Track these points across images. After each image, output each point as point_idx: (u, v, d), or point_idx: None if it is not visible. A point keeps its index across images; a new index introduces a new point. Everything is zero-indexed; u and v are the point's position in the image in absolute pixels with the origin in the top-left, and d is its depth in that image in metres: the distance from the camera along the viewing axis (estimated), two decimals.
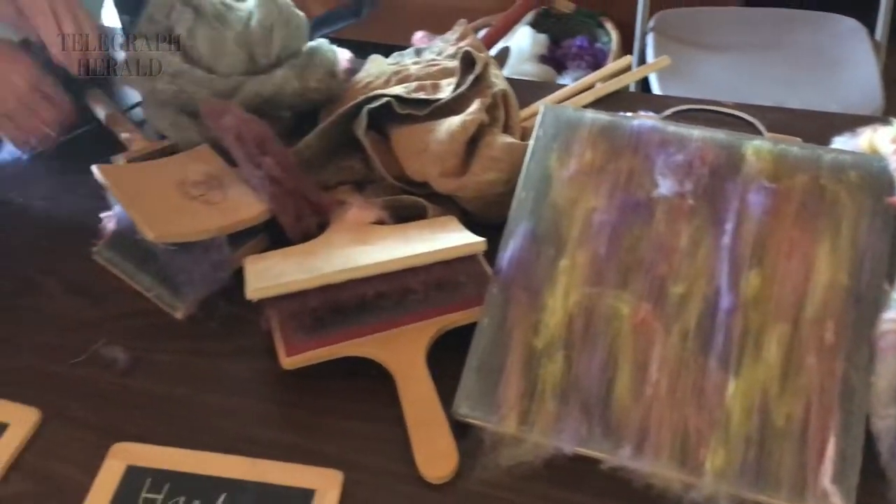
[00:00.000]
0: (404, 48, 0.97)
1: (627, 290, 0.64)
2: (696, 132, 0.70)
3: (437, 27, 1.12)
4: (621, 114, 0.75)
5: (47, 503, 0.61)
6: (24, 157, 0.89)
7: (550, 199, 0.69)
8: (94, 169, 0.76)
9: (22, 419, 0.65)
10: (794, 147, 0.68)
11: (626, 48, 1.90)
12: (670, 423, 0.59)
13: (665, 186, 0.68)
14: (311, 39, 0.91)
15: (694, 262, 0.65)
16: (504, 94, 0.83)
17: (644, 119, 0.73)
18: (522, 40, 1.92)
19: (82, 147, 0.90)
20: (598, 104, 0.94)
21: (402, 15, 2.13)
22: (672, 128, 0.71)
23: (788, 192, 0.66)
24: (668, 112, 0.91)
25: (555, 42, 1.97)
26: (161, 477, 0.61)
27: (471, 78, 0.81)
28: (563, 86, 0.99)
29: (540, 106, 0.76)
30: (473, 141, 0.78)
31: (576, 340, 0.63)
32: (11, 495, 0.61)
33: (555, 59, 1.94)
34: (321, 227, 0.77)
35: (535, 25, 1.99)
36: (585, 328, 0.64)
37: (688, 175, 0.68)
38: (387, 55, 0.97)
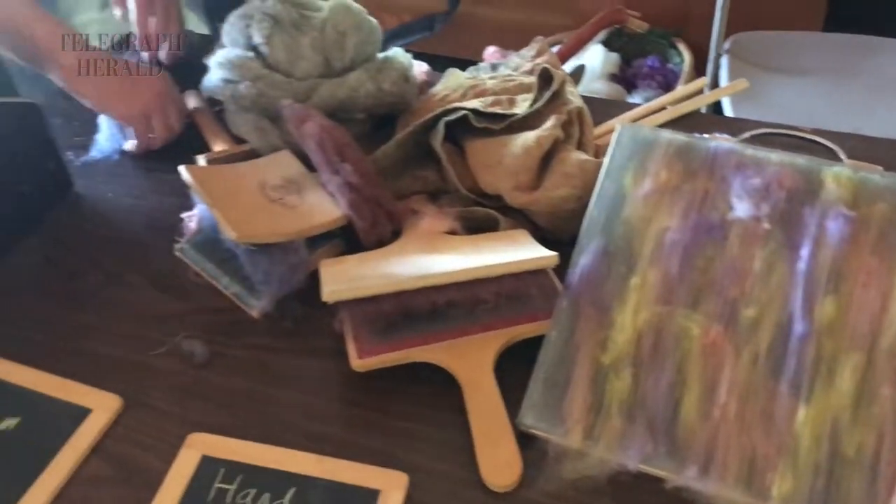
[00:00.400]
0: (474, 62, 0.99)
1: (698, 310, 0.65)
2: (775, 156, 0.70)
3: (508, 43, 1.14)
4: (697, 135, 0.75)
5: (125, 487, 0.63)
6: (115, 155, 0.93)
7: (623, 217, 0.70)
8: (182, 169, 0.79)
9: (104, 405, 0.68)
10: (875, 175, 0.67)
11: (698, 70, 1.89)
12: (738, 446, 0.59)
13: (740, 209, 0.68)
14: (385, 51, 0.93)
15: (767, 286, 0.64)
16: (579, 112, 0.83)
17: (721, 141, 0.73)
18: (594, 58, 1.92)
19: (167, 147, 0.93)
20: (671, 125, 0.94)
21: (472, 30, 2.16)
22: (750, 151, 0.71)
23: (867, 221, 0.65)
24: (745, 136, 0.90)
25: (626, 61, 1.97)
26: (234, 468, 0.63)
27: (548, 94, 0.82)
28: (635, 105, 0.99)
29: (616, 124, 0.76)
30: (547, 157, 0.79)
31: (644, 358, 0.64)
32: (91, 478, 0.64)
33: (625, 78, 1.93)
34: (395, 235, 0.79)
35: (607, 44, 1.99)
36: (654, 347, 0.64)
37: (764, 199, 0.68)
38: (458, 69, 0.98)
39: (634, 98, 1.85)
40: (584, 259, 0.69)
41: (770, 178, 0.68)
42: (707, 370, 0.62)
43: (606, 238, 0.69)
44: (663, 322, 0.65)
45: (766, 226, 0.66)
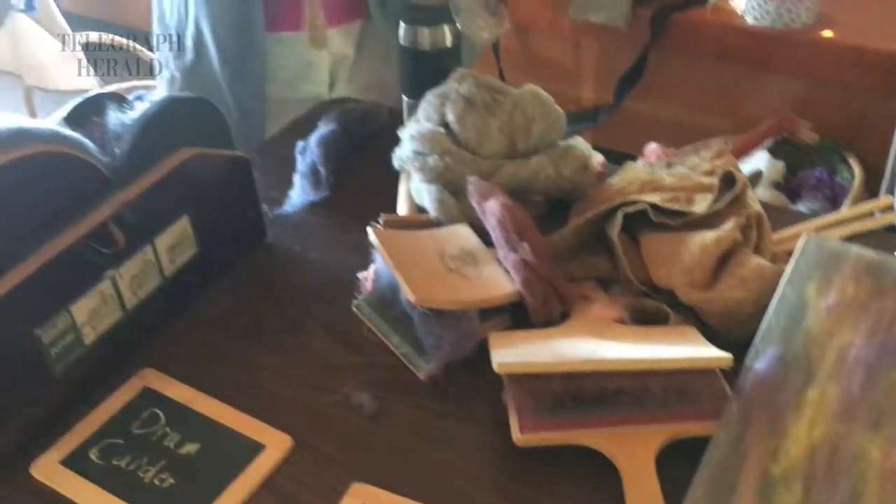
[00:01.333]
0: (633, 156, 1.02)
1: (879, 433, 0.62)
2: None
3: (668, 140, 1.15)
4: (885, 253, 0.74)
5: None
6: (304, 210, 1.00)
7: (804, 327, 0.69)
8: (370, 231, 0.84)
9: (277, 443, 0.72)
10: None
11: (869, 186, 1.84)
12: None
13: None
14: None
15: None
16: (758, 217, 0.84)
17: None
18: (758, 164, 1.90)
19: (351, 207, 1.00)
20: (851, 240, 0.92)
21: (633, 125, 2.18)
22: None
23: None
24: None
25: (791, 171, 1.94)
26: None
27: (729, 196, 0.83)
28: (803, 215, 0.98)
29: (803, 234, 0.76)
30: (724, 258, 0.79)
31: (817, 474, 0.62)
32: None
33: (789, 187, 1.90)
34: (563, 317, 0.81)
35: (773, 151, 1.97)
36: (829, 464, 0.62)
37: None
38: (616, 161, 1.01)
39: (798, 209, 1.81)
40: (759, 364, 0.68)
41: None
42: (885, 495, 0.60)
43: (784, 346, 0.69)
44: (840, 440, 0.63)
45: None
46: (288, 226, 0.98)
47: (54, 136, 0.73)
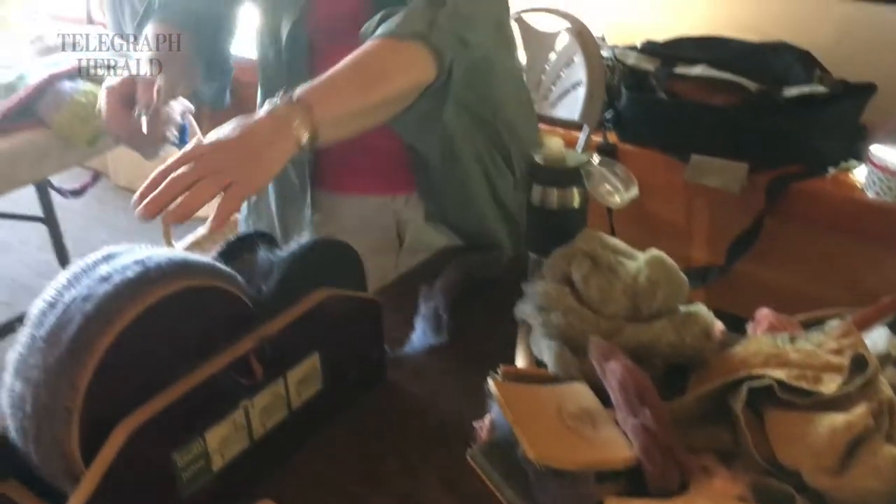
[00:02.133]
0: (742, 319, 1.02)
1: None
2: None
3: (780, 307, 1.14)
4: None
5: None
6: (424, 353, 1.03)
7: None
8: (490, 382, 0.86)
9: None
10: None
11: None
12: None
13: None
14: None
15: None
16: (891, 403, 0.81)
17: None
18: (877, 340, 1.84)
19: (469, 354, 1.02)
20: None
21: (744, 288, 2.15)
22: None
23: None
24: None
25: None
26: None
27: (860, 381, 0.81)
28: None
29: None
30: (854, 443, 0.77)
31: None
32: None
33: None
34: (680, 487, 0.79)
35: (893, 326, 1.90)
36: None
37: None
38: (727, 324, 1.00)
39: None
40: None
41: None
42: None
43: None
44: None
45: None
46: (408, 367, 1.01)
47: (211, 271, 0.79)
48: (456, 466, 0.85)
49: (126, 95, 1.05)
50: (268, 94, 1.03)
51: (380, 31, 0.99)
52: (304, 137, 0.88)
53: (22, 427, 0.70)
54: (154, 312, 0.72)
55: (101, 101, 1.07)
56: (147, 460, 0.72)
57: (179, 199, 0.81)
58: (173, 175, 0.82)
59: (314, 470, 0.87)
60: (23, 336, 0.71)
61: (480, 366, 0.90)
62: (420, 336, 1.05)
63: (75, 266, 0.76)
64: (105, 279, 0.72)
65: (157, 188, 0.82)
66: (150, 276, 0.72)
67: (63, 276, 0.75)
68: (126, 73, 1.08)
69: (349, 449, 0.90)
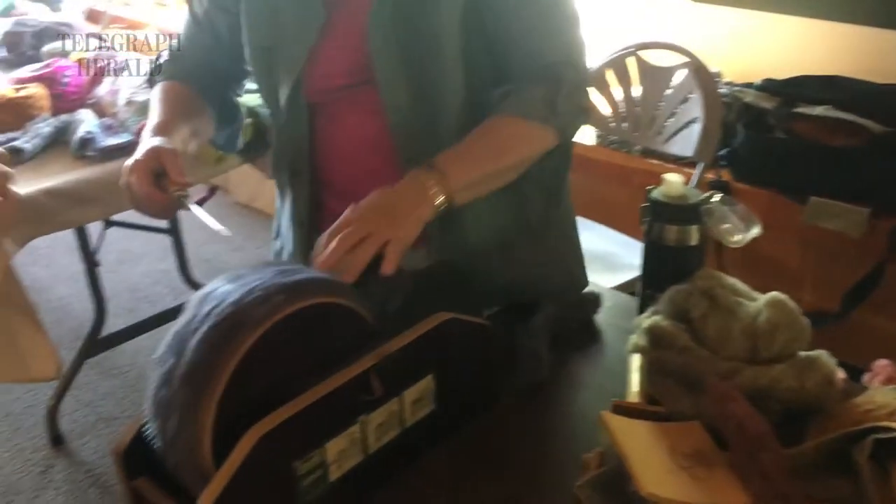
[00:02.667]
0: (858, 369, 0.99)
1: None
2: None
3: None
4: None
5: None
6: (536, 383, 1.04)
7: None
8: (604, 416, 0.86)
9: None
10: None
11: None
12: None
13: None
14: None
15: None
16: None
17: None
18: None
19: (570, 387, 1.02)
20: None
21: (860, 336, 2.07)
22: None
23: None
24: None
25: None
26: None
27: None
28: None
29: None
30: None
31: None
32: None
33: None
34: None
35: None
36: None
37: None
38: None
39: None
40: None
41: None
42: None
43: None
44: None
45: None
46: (514, 397, 1.02)
47: (336, 288, 0.82)
48: (560, 498, 0.86)
49: (155, 171, 1.06)
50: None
51: (505, 107, 1.07)
52: (439, 200, 0.97)
53: (162, 430, 0.74)
54: (284, 327, 0.75)
55: (130, 179, 1.06)
56: (271, 466, 0.75)
57: (349, 258, 0.90)
58: (340, 236, 0.92)
59: (419, 490, 0.88)
60: (169, 344, 0.76)
61: (583, 399, 0.91)
62: (520, 374, 1.06)
63: (216, 281, 0.80)
64: (246, 291, 0.76)
65: (327, 247, 0.92)
66: (285, 292, 0.76)
67: (202, 291, 0.80)
68: (146, 149, 1.08)
69: (456, 472, 0.91)
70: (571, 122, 1.10)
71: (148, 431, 0.77)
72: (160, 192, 1.06)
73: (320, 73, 1.13)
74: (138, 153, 1.07)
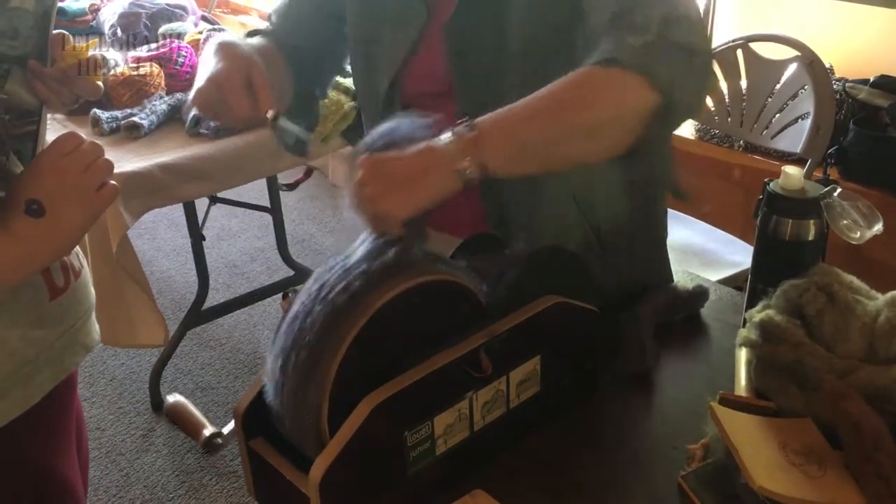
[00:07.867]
0: None
1: None
2: None
3: None
4: None
5: None
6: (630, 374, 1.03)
7: None
8: (712, 406, 0.85)
9: None
10: None
11: None
12: None
13: None
14: None
15: None
16: None
17: None
18: None
19: (672, 376, 1.01)
20: None
21: None
22: None
23: None
24: None
25: None
26: None
27: None
28: None
29: None
30: None
31: None
32: None
33: None
34: None
35: None
36: None
37: None
38: None
39: None
40: None
41: None
42: None
43: None
44: None
45: None
46: (618, 385, 1.01)
47: (452, 267, 0.84)
48: (664, 486, 0.85)
49: (247, 80, 0.96)
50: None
51: (587, 62, 0.87)
52: (468, 169, 0.80)
53: (281, 395, 0.77)
54: (400, 302, 0.78)
55: (218, 79, 0.96)
56: (383, 434, 0.77)
57: None
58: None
59: (527, 471, 0.89)
60: (293, 315, 0.79)
61: (688, 390, 0.90)
62: (623, 363, 1.05)
63: (333, 259, 0.83)
64: (361, 270, 0.78)
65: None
66: (400, 268, 0.78)
67: (323, 267, 0.82)
68: (235, 57, 0.98)
69: (559, 455, 0.91)
70: (681, 81, 0.85)
71: (266, 394, 0.80)
72: (247, 97, 0.96)
73: (415, 74, 1.09)
74: (222, 60, 0.97)
